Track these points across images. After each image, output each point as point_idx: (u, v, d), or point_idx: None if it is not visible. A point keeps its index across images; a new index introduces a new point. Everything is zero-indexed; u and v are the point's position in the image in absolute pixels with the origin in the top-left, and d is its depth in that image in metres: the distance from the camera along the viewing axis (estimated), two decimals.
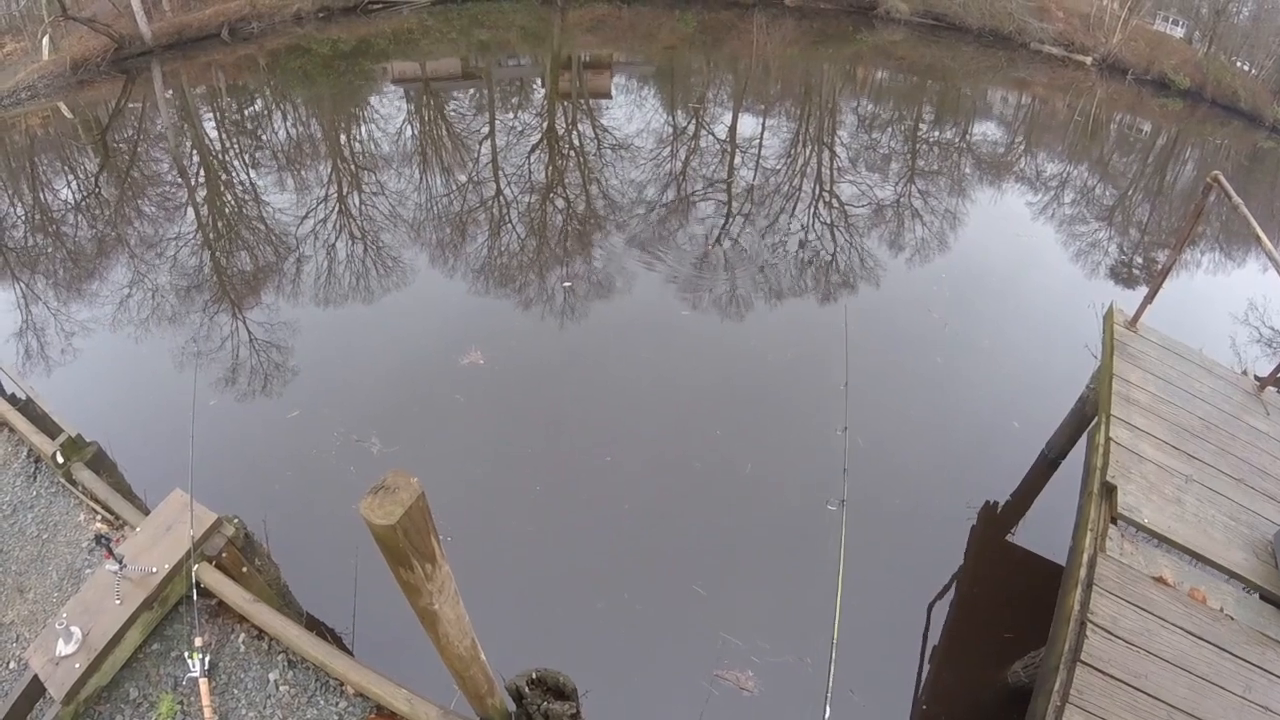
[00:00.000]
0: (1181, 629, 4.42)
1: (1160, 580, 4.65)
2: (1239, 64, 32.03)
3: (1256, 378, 7.10)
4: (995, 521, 7.25)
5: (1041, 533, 6.97)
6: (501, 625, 5.01)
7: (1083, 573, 4.63)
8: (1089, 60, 29.41)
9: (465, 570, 5.02)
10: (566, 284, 9.84)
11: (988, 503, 7.33)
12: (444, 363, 8.21)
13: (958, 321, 10.19)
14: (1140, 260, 13.61)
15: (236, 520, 4.69)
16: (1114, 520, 4.95)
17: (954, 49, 28.19)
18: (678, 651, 5.54)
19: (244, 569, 4.69)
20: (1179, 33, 33.05)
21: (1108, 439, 5.52)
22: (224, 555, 4.54)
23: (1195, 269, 14.92)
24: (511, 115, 16.99)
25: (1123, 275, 13.07)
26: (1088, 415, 6.94)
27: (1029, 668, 5.35)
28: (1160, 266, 6.78)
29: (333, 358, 8.44)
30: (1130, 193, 19.49)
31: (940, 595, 6.34)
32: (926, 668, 5.77)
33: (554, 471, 6.95)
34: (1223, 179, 5.85)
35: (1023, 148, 20.85)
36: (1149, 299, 6.83)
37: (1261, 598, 4.82)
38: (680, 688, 5.33)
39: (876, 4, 28.98)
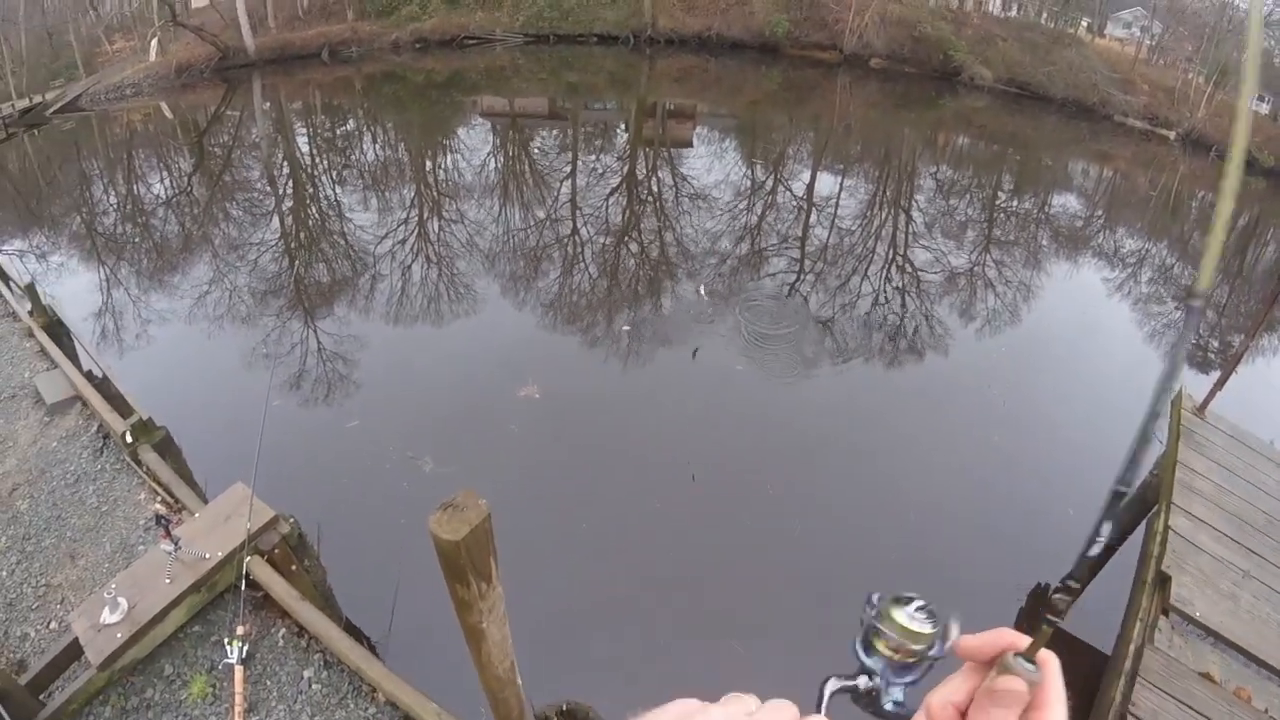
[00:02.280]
0: None
1: (1207, 677, 4.51)
2: None
3: None
4: (1043, 607, 7.02)
5: (1090, 621, 6.75)
6: (537, 652, 4.96)
7: (1128, 664, 4.54)
8: (1172, 135, 28.94)
9: (508, 595, 5.09)
10: (626, 328, 9.80)
11: (1038, 585, 7.15)
12: (501, 393, 8.21)
13: (1018, 400, 9.99)
14: (1215, 345, 13.26)
15: (293, 519, 4.76)
16: (1165, 612, 4.85)
17: (1036, 119, 28.03)
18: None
19: (293, 567, 4.75)
20: (1265, 109, 32.29)
21: (1166, 527, 5.42)
22: (276, 551, 4.62)
23: (1273, 357, 14.43)
24: (594, 157, 17.25)
25: (1196, 360, 12.67)
26: (1147, 502, 6.75)
27: None
28: (1233, 353, 6.59)
29: (395, 375, 8.55)
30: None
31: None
32: None
33: (601, 511, 6.88)
34: None
35: (1101, 222, 20.47)
36: (1219, 385, 6.72)
37: None
38: None
39: (960, 70, 28.99)
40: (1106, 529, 0.74)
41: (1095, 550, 0.71)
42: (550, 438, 7.69)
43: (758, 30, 28.58)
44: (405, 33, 25.58)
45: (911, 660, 0.78)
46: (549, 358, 9.19)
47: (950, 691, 0.68)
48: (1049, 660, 0.67)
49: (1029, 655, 0.64)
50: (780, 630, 6.02)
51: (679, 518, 6.91)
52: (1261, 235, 23.90)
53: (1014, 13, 34.63)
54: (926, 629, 0.77)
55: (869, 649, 0.81)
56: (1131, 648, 4.61)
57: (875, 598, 0.81)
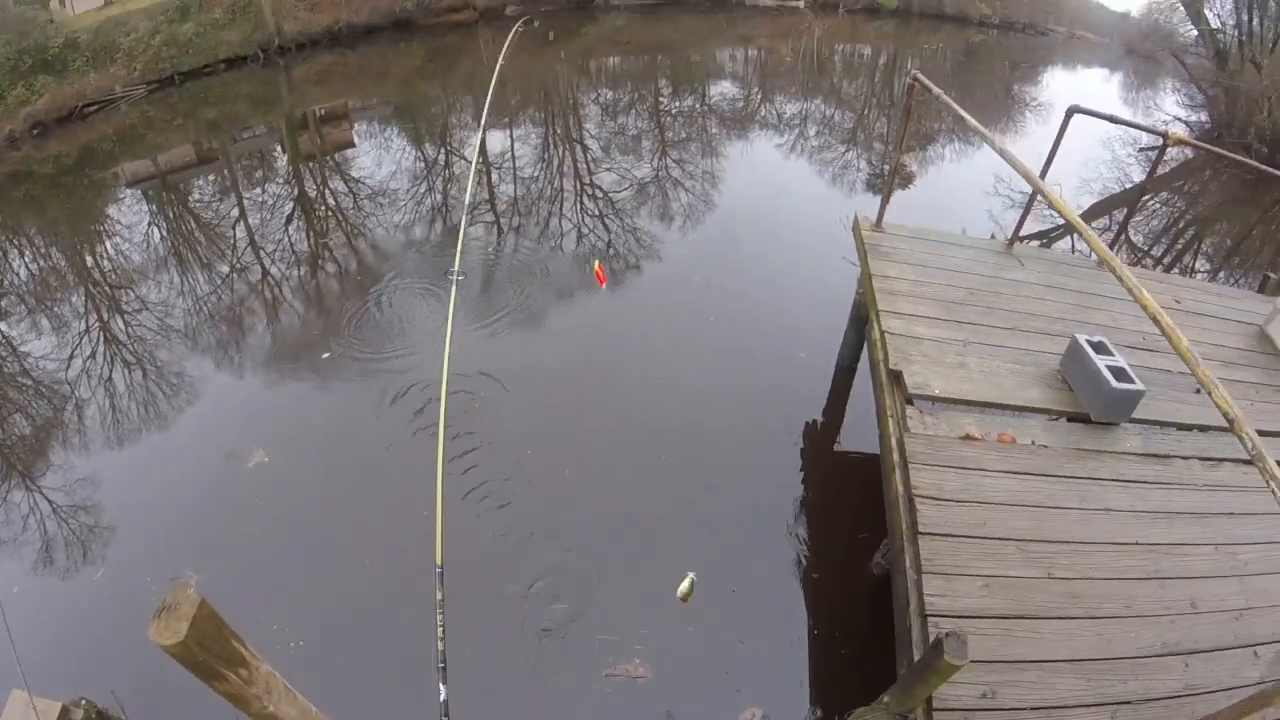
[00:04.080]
0: (1004, 471, 4.87)
1: (968, 438, 5.10)
2: None
3: (1006, 239, 8.03)
4: (820, 437, 8.31)
5: (862, 433, 7.86)
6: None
7: (895, 456, 4.97)
8: (802, 3, 31.62)
9: (312, 673, 4.98)
10: (325, 355, 10.00)
11: (808, 423, 8.34)
12: (237, 471, 8.11)
13: (729, 274, 11.24)
14: (886, 170, 15.17)
15: (85, 702, 4.73)
16: (910, 401, 5.40)
17: (675, 21, 29.63)
18: (562, 666, 5.95)
19: None
20: None
21: (882, 332, 6.04)
22: None
23: (942, 163, 16.75)
24: (259, 189, 16.77)
25: (876, 188, 14.61)
26: (864, 318, 7.37)
27: (886, 555, 5.75)
28: (889, 169, 7.61)
29: (131, 498, 8.22)
30: (865, 112, 21.38)
31: (796, 518, 7.16)
32: (803, 587, 6.54)
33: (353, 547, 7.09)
34: (921, 76, 6.57)
35: (760, 97, 22.30)
36: (885, 199, 7.59)
37: (1069, 420, 5.49)
38: (577, 699, 5.72)
39: None
40: None
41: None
42: (292, 495, 7.79)
43: (388, 10, 27.95)
44: (19, 122, 23.08)
45: None
46: (274, 412, 9.27)
47: None
48: None
49: None
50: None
51: (455, 508, 7.11)
52: (902, 67, 26.73)
53: None
54: None
55: None
56: (893, 441, 5.09)
57: None
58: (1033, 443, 5.16)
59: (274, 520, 7.50)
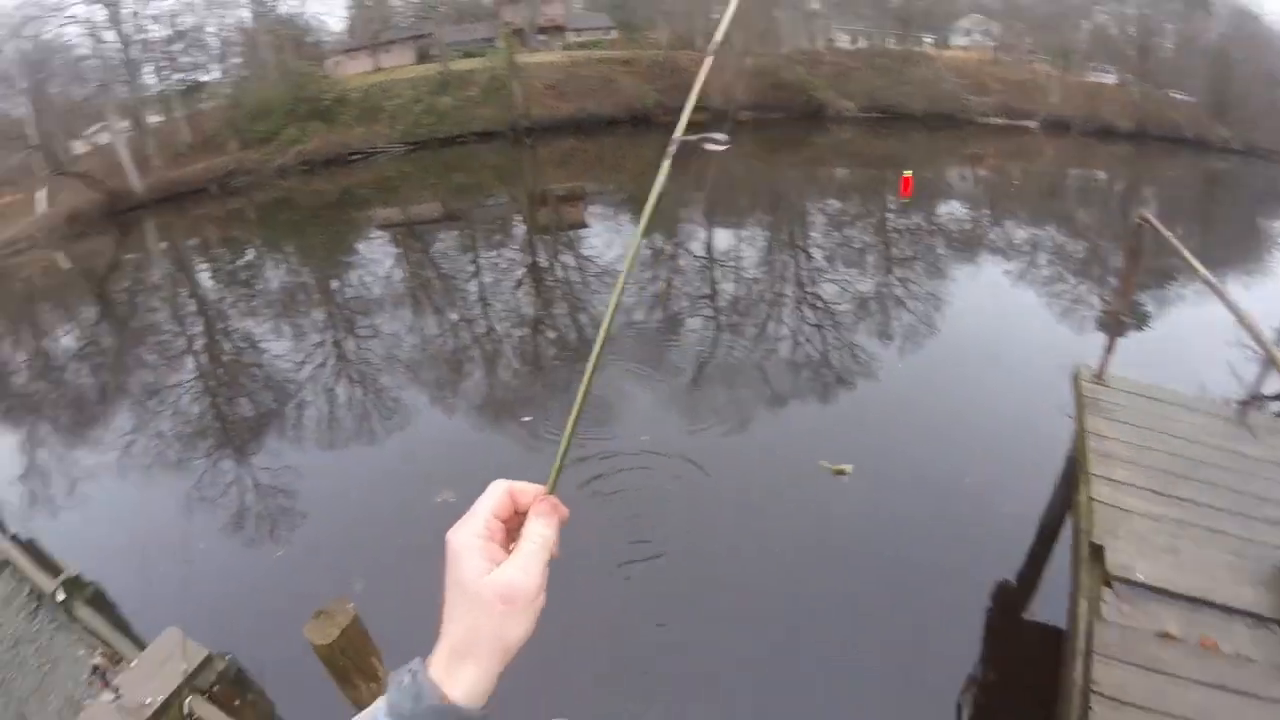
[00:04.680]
0: (1198, 682, 4.17)
1: (1167, 635, 4.41)
2: (1174, 95, 33.14)
3: (1237, 402, 7.06)
4: (1009, 601, 7.30)
5: (1057, 605, 7.03)
6: None
7: (1081, 642, 4.41)
8: (1033, 124, 30.93)
9: None
10: (526, 418, 9.90)
11: (998, 583, 7.36)
12: (424, 500, 8.15)
13: (942, 407, 10.55)
14: (1105, 310, 14.07)
15: (229, 656, 4.88)
16: (1108, 583, 4.76)
17: (904, 136, 29.59)
18: None
19: (236, 702, 4.82)
20: (1111, 79, 34.40)
21: (1089, 499, 5.40)
22: (215, 689, 4.71)
23: (1174, 307, 15.40)
24: (494, 252, 17.61)
25: (1109, 327, 13.43)
26: (1075, 477, 6.55)
27: None
28: (1113, 314, 6.88)
29: (324, 498, 8.56)
30: (1098, 242, 20.16)
31: (967, 687, 6.30)
32: None
33: None
34: (1151, 218, 5.91)
35: (989, 218, 21.56)
36: (1108, 349, 6.84)
37: None
38: None
39: (823, 106, 30.57)
40: None
41: None
42: None
43: (628, 104, 29.69)
44: (289, 157, 25.83)
45: None
46: (469, 459, 9.27)
47: (494, 507, 0.91)
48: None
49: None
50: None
51: (612, 597, 6.97)
52: (1138, 195, 25.21)
53: (862, 44, 36.55)
54: None
55: None
56: (1081, 626, 4.52)
57: None
58: (1237, 653, 4.36)
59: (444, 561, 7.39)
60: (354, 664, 3.02)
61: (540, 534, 0.90)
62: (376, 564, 7.28)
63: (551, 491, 0.94)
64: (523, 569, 0.85)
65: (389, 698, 0.81)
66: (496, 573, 0.84)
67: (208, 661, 4.78)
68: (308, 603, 6.73)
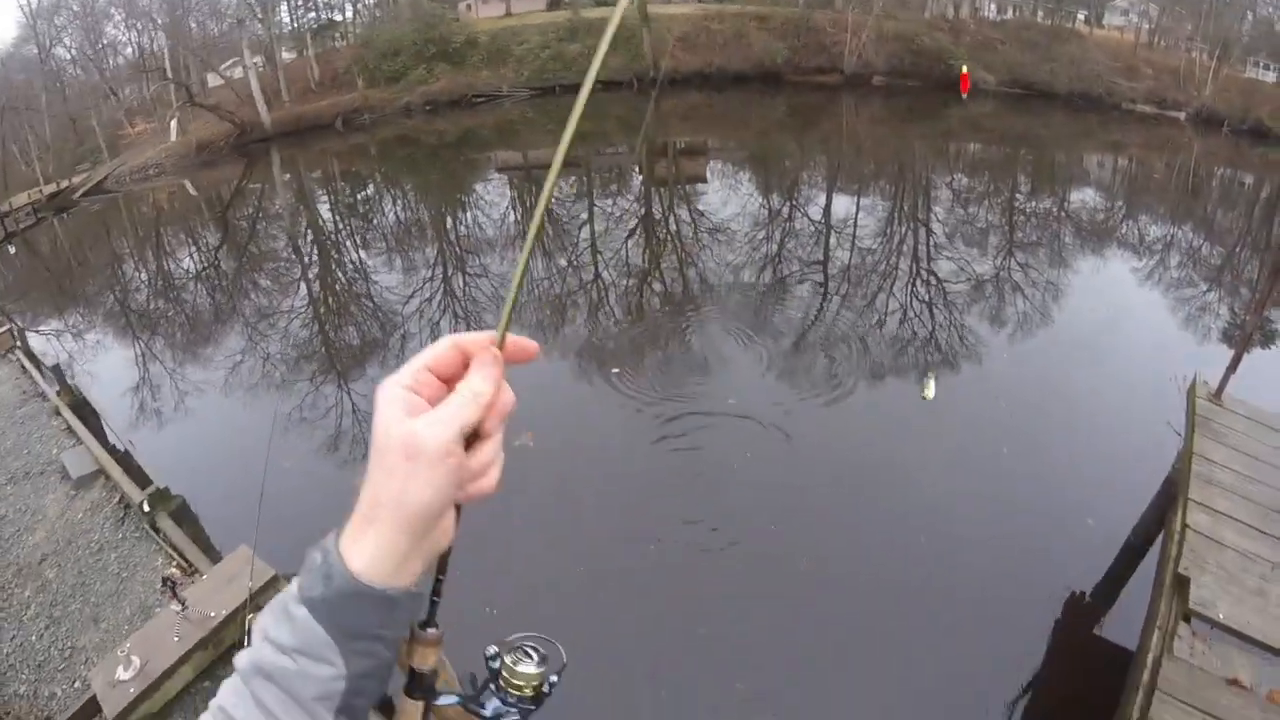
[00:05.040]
0: None
1: (1235, 683, 4.18)
2: None
3: None
4: (1081, 615, 6.74)
5: (1128, 627, 6.44)
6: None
7: (1146, 675, 4.23)
8: (1182, 115, 28.82)
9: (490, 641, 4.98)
10: (615, 370, 9.61)
11: (1072, 593, 6.85)
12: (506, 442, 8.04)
13: (1040, 405, 9.85)
14: (1231, 324, 13.04)
15: (295, 577, 4.80)
16: (1186, 618, 4.54)
17: (1044, 116, 28.05)
18: None
19: None
20: (1271, 77, 31.87)
21: (1184, 526, 5.10)
22: None
23: None
24: (610, 201, 17.43)
25: (1232, 340, 12.34)
26: (1173, 498, 6.24)
27: None
28: (1242, 332, 6.19)
29: None
30: (1238, 250, 18.69)
31: (1023, 693, 5.88)
32: None
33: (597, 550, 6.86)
34: None
35: (1122, 212, 20.27)
36: (1231, 368, 6.35)
37: None
38: None
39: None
40: None
41: None
42: (540, 483, 7.56)
43: (757, 61, 28.90)
44: (415, 96, 26.12)
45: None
46: (554, 404, 9.02)
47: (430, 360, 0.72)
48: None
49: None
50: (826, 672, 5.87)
51: (672, 556, 6.76)
52: (1278, 208, 23.48)
53: (1010, 14, 34.76)
54: (532, 670, 0.83)
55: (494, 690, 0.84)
56: (1150, 658, 4.34)
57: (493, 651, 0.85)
58: None
59: (516, 499, 7.19)
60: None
61: (470, 386, 0.71)
62: None
63: (501, 343, 0.74)
64: (435, 420, 0.68)
65: (299, 580, 0.70)
66: (406, 423, 0.68)
67: (273, 581, 4.90)
68: None
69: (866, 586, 6.58)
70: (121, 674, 4.41)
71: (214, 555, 5.96)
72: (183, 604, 4.58)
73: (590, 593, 6.26)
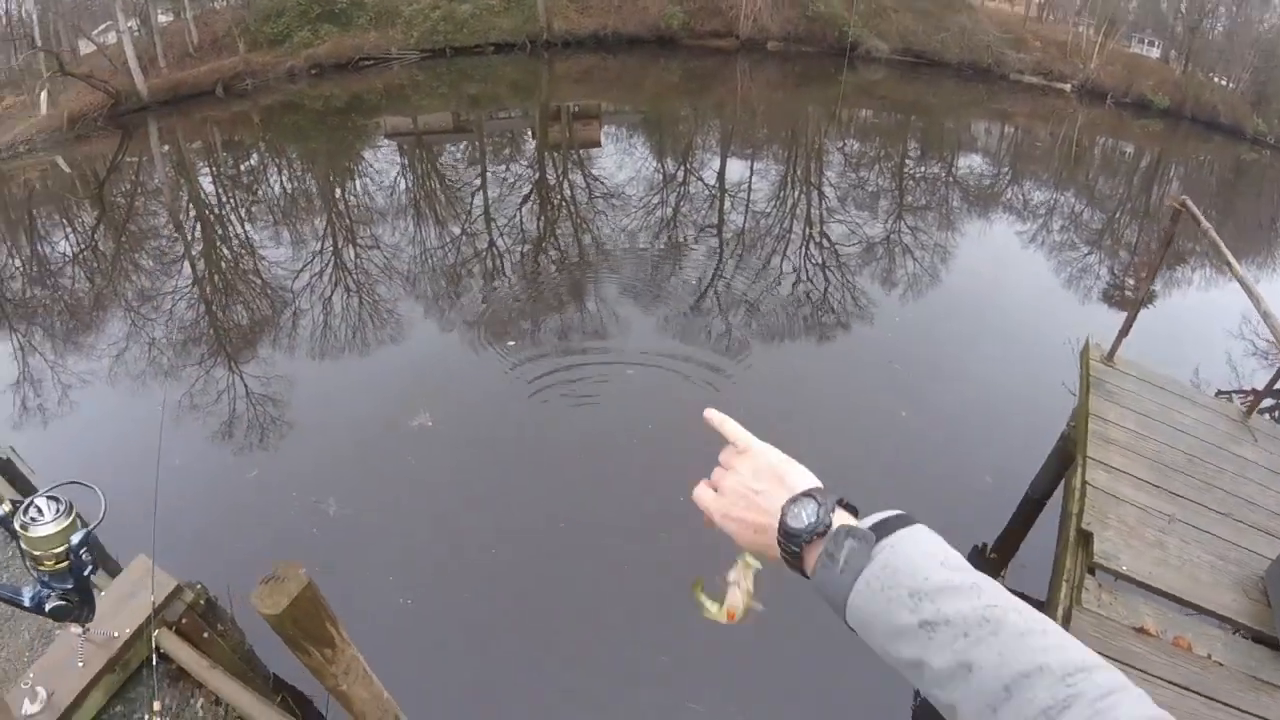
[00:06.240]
0: (1166, 681, 4.19)
1: (1142, 630, 4.45)
2: (1216, 79, 32.91)
3: (1241, 402, 6.99)
4: (985, 567, 7.14)
5: (1031, 576, 6.90)
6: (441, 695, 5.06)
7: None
8: (1068, 87, 30.23)
9: (409, 633, 5.23)
10: (511, 343, 9.60)
11: (975, 546, 7.26)
12: (401, 423, 7.92)
13: (933, 363, 10.30)
14: (1132, 287, 13.76)
15: (199, 586, 4.66)
16: (1091, 570, 4.77)
17: (935, 84, 28.93)
18: None
19: (205, 635, 4.68)
20: (1155, 53, 33.90)
21: (1084, 483, 5.37)
22: (184, 621, 4.54)
23: (1187, 292, 15.10)
24: (503, 166, 17.29)
25: (1115, 302, 13.19)
26: (1068, 456, 6.73)
27: None
28: (1133, 297, 6.67)
29: (305, 414, 8.31)
30: (1118, 216, 19.77)
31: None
32: None
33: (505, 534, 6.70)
34: (1190, 204, 5.81)
35: (1008, 178, 21.20)
36: (1123, 332, 6.73)
37: (1254, 639, 4.67)
38: None
39: (856, 45, 29.71)
40: None
41: None
42: (440, 463, 7.55)
43: (653, 24, 28.79)
44: (299, 60, 25.16)
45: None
46: (450, 379, 9.08)
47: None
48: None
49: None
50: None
51: (585, 535, 6.72)
52: (1164, 174, 24.84)
53: None
54: (49, 530, 0.76)
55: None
56: (1060, 610, 4.55)
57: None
58: (1209, 656, 4.39)
59: (418, 480, 7.30)
60: (306, 632, 2.80)
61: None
62: (353, 486, 7.09)
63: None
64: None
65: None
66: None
67: (177, 592, 4.57)
68: (281, 524, 6.63)
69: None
70: (29, 708, 4.08)
71: (111, 567, 5.60)
72: (84, 625, 4.39)
73: (494, 569, 6.29)
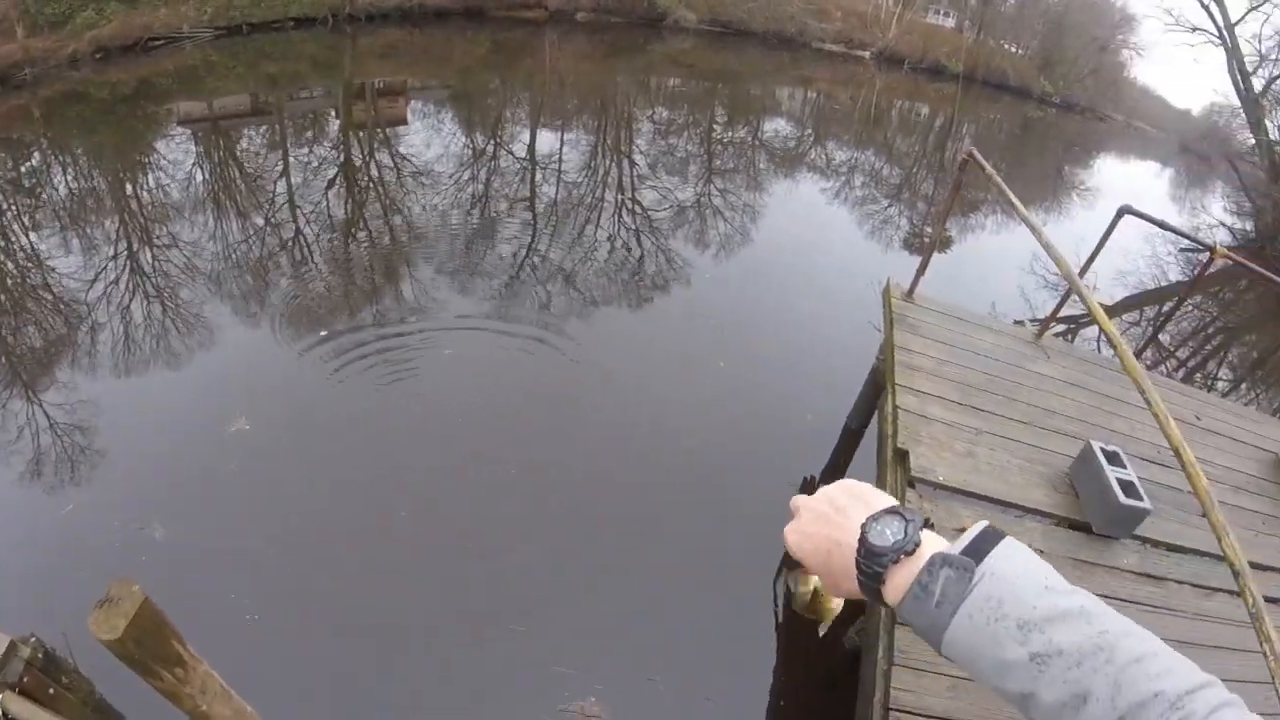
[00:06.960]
0: None
1: (963, 530, 5.00)
2: (1007, 46, 36.08)
3: (1033, 325, 7.90)
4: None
5: None
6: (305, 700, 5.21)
7: None
8: (867, 54, 32.27)
9: (262, 648, 5.31)
10: (322, 333, 9.70)
11: (806, 478, 8.03)
12: (219, 431, 7.76)
13: (750, 315, 11.19)
14: (929, 233, 15.03)
15: (33, 639, 4.32)
16: (911, 484, 5.21)
17: (741, 53, 30.04)
18: (510, 698, 5.53)
19: (50, 690, 4.31)
20: (950, 23, 36.71)
21: (895, 407, 5.88)
22: (25, 680, 4.15)
23: (981, 236, 16.68)
24: (306, 150, 16.94)
25: (915, 248, 14.57)
26: (879, 386, 7.16)
27: (860, 632, 5.46)
28: (928, 240, 7.39)
29: (120, 433, 7.96)
30: (914, 170, 21.39)
31: (779, 573, 6.68)
32: (774, 643, 6.29)
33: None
34: (976, 153, 6.46)
35: (812, 139, 22.41)
36: (920, 271, 7.51)
37: (1069, 527, 5.30)
38: None
39: (665, 15, 30.35)
40: None
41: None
42: (265, 468, 7.50)
43: None
44: (83, 43, 23.40)
45: None
46: (264, 379, 9.02)
47: None
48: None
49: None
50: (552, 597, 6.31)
51: (412, 519, 6.91)
52: (958, 132, 26.81)
53: None
54: None
55: None
56: None
57: None
58: (1031, 545, 5.06)
59: (243, 489, 7.22)
60: (152, 653, 2.63)
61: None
62: (177, 506, 6.91)
63: None
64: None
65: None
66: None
67: (11, 650, 4.15)
68: (108, 557, 6.34)
69: (606, 515, 7.19)
70: None
71: None
72: None
73: (337, 569, 6.37)
